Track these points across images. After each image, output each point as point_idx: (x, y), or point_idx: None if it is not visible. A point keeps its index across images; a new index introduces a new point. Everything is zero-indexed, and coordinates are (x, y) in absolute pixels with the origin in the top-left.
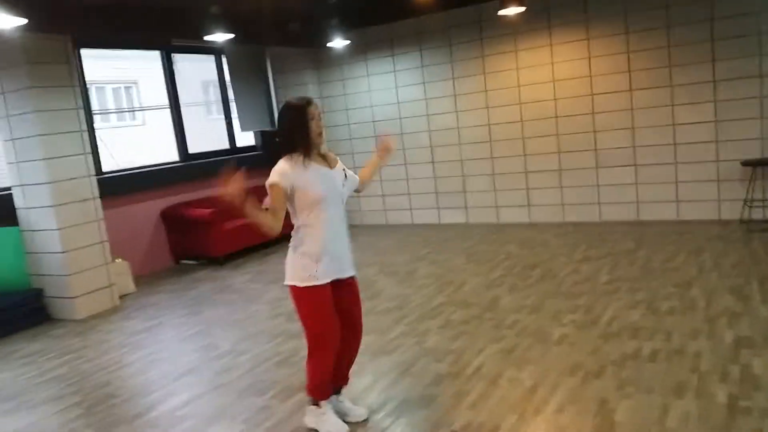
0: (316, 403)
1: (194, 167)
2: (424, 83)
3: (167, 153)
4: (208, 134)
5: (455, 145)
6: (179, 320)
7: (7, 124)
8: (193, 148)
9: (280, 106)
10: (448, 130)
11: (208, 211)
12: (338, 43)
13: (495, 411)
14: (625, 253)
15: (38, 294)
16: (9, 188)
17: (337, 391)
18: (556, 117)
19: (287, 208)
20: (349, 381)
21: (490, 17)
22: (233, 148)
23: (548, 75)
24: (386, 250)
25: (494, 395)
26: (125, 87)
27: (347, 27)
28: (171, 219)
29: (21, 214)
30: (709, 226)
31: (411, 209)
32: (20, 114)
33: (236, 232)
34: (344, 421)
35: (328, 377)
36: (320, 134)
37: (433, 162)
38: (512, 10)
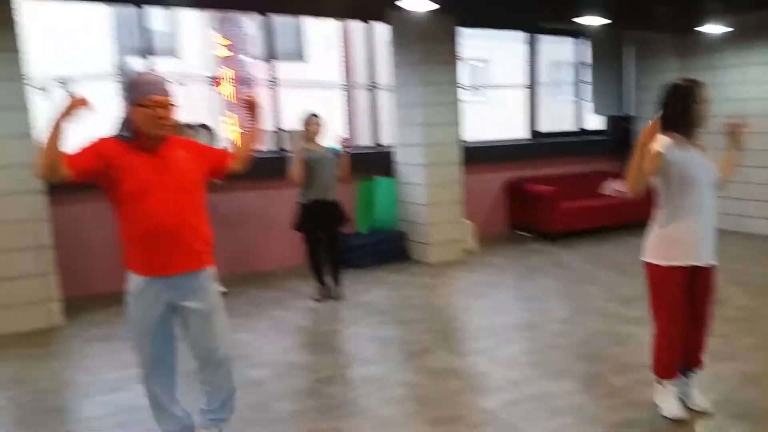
0: (659, 381)
1: (542, 145)
2: None
3: (511, 129)
4: (555, 114)
5: None
6: (515, 282)
7: (398, 92)
8: (541, 127)
9: (639, 93)
10: None
11: (550, 188)
12: (711, 28)
13: None
14: None
15: (403, 236)
16: (392, 146)
17: (684, 373)
18: None
19: (654, 185)
20: (701, 366)
21: None
22: (581, 130)
23: None
24: (738, 259)
25: None
26: (479, 65)
27: (727, 11)
28: (513, 191)
29: (399, 168)
30: None
31: None
32: (408, 85)
33: (574, 211)
34: (686, 407)
35: (670, 358)
36: (704, 118)
37: None
38: None
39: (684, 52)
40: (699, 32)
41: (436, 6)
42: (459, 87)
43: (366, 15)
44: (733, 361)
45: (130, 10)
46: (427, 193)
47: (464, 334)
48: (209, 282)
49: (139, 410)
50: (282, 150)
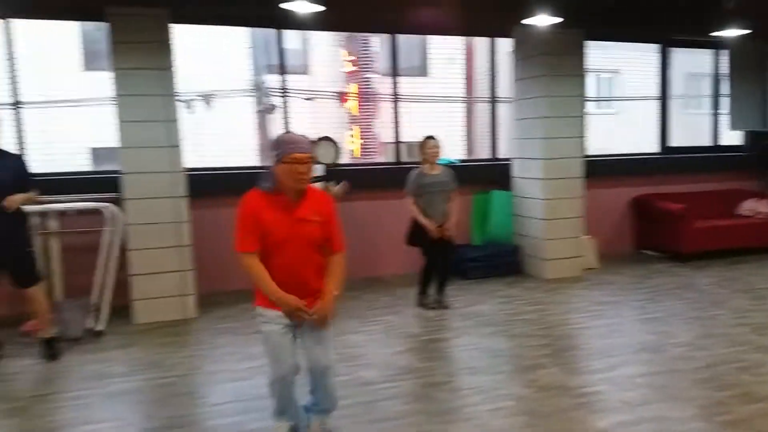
0: None
1: (674, 160)
2: None
3: (644, 143)
4: (690, 128)
5: None
6: (637, 303)
7: (517, 105)
8: (673, 141)
9: None
10: None
11: (681, 206)
12: None
13: None
14: None
15: (517, 250)
16: (509, 159)
17: None
18: None
19: None
20: None
21: None
22: (716, 146)
23: None
24: None
25: None
26: (609, 77)
27: None
28: (641, 208)
29: (515, 181)
30: None
31: None
32: (530, 98)
33: (708, 231)
34: None
35: None
36: None
37: None
38: None
39: None
40: None
41: (560, 20)
42: (584, 100)
43: (491, 32)
44: None
45: (268, 30)
46: (545, 208)
47: (579, 353)
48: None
49: (260, 399)
50: (401, 162)
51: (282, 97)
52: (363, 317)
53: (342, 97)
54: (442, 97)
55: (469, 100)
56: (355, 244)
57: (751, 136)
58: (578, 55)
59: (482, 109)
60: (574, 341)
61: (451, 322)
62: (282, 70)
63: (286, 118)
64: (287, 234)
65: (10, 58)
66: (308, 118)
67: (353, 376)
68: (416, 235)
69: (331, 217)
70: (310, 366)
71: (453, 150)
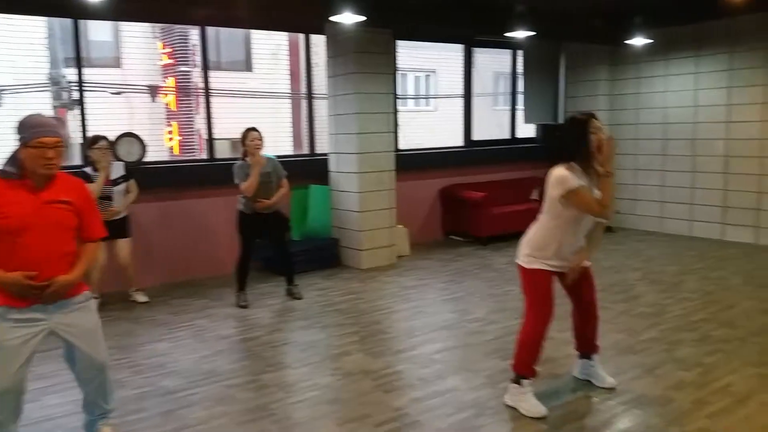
0: (518, 380)
1: (475, 153)
2: (728, 88)
3: (454, 138)
4: (491, 123)
5: (755, 158)
6: (442, 285)
7: (333, 102)
8: (476, 136)
9: (569, 102)
10: (749, 140)
11: (482, 194)
12: (638, 40)
13: (736, 427)
14: None
15: (335, 243)
16: (326, 154)
17: (587, 357)
18: None
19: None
20: (598, 350)
21: None
22: (513, 139)
23: None
24: (654, 259)
25: (738, 413)
26: (426, 75)
27: (651, 25)
28: (447, 197)
29: (332, 176)
30: None
31: (691, 220)
32: (344, 95)
33: (504, 216)
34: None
35: (535, 356)
36: (605, 148)
37: (725, 173)
38: None
39: (614, 62)
40: (626, 44)
41: (363, 18)
42: (395, 97)
43: (303, 28)
44: (635, 354)
45: (67, 21)
46: (359, 200)
47: (384, 336)
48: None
49: None
50: (216, 159)
51: (80, 91)
52: (170, 323)
53: (157, 91)
54: (263, 92)
55: (289, 95)
56: (164, 246)
57: (543, 129)
58: (388, 53)
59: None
60: (381, 326)
61: (264, 320)
62: (79, 62)
63: (83, 114)
64: (31, 218)
65: None
66: (121, 114)
67: (155, 387)
68: (248, 225)
69: (86, 202)
70: (82, 367)
71: (279, 146)
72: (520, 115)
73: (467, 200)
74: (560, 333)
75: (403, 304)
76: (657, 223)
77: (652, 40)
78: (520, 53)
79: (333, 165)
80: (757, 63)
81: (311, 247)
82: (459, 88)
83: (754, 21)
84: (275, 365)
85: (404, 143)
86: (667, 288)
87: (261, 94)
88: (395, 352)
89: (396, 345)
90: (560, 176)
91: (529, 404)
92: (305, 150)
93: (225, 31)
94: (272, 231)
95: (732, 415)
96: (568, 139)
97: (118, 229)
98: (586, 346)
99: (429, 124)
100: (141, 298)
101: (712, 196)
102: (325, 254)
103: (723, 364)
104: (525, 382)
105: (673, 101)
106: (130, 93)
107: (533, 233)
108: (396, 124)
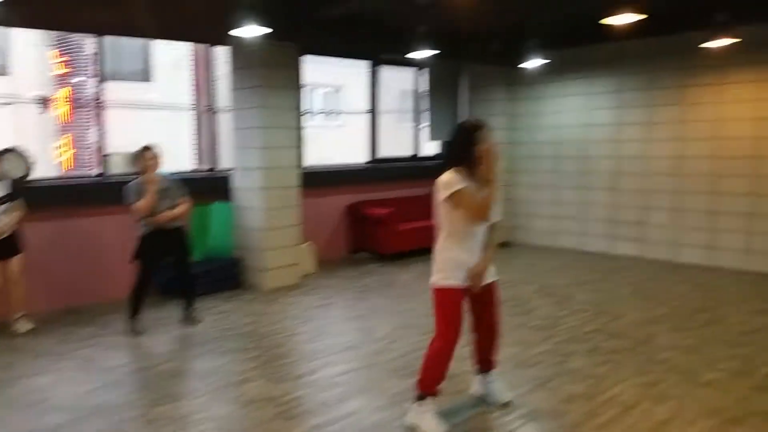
0: (421, 398)
1: (380, 170)
2: (616, 108)
3: (361, 154)
4: (397, 140)
5: (639, 175)
6: (347, 303)
7: (237, 115)
8: (383, 153)
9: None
10: (634, 158)
11: (386, 210)
12: (533, 63)
13: None
14: None
15: (237, 263)
16: (230, 169)
17: (483, 373)
18: (756, 157)
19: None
20: (494, 366)
21: (694, 47)
22: (415, 156)
23: (753, 112)
24: (548, 272)
25: (624, 422)
26: (335, 90)
27: (545, 48)
28: (354, 214)
29: (236, 192)
30: None
31: (581, 235)
32: (248, 108)
33: (408, 233)
34: (486, 402)
35: (442, 374)
36: (486, 156)
37: (612, 189)
38: (720, 43)
39: (511, 83)
40: (523, 66)
41: (267, 30)
42: (300, 112)
43: (204, 39)
44: (529, 367)
45: None
46: (263, 218)
47: (286, 360)
48: None
49: None
50: (109, 175)
51: None
52: (54, 354)
53: (47, 102)
54: (162, 104)
55: (190, 108)
56: (52, 269)
57: (445, 145)
58: (292, 68)
59: (205, 120)
60: (283, 349)
61: (159, 347)
62: None
63: None
64: None
65: None
66: (6, 127)
67: (35, 424)
68: (147, 248)
69: None
70: None
71: (180, 161)
72: (424, 132)
73: (372, 217)
74: (460, 349)
75: (306, 326)
76: (550, 238)
77: (548, 61)
78: (424, 72)
79: (237, 180)
80: (639, 85)
81: (212, 267)
82: (365, 105)
83: (637, 46)
84: (169, 396)
85: (312, 159)
86: (560, 300)
87: (160, 106)
88: (296, 376)
89: (297, 369)
90: (446, 180)
91: (430, 423)
92: (208, 165)
93: (123, 40)
94: (175, 249)
95: (619, 425)
96: (455, 146)
97: (6, 247)
98: (485, 363)
99: (337, 140)
100: (24, 326)
101: (601, 211)
102: (226, 275)
103: (612, 375)
104: (427, 400)
105: (566, 120)
106: (19, 104)
107: (436, 252)
108: (301, 140)
